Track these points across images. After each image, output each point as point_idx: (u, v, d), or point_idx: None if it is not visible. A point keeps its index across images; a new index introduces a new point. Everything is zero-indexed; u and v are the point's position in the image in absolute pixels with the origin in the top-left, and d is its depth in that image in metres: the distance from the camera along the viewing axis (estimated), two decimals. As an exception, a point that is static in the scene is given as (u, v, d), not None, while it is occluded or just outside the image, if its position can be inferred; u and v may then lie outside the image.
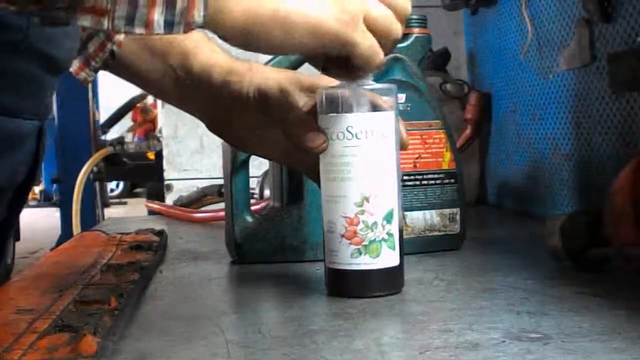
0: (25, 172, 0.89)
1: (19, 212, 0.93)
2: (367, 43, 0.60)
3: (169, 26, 0.51)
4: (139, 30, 0.51)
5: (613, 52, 0.92)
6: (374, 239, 0.65)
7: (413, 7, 0.64)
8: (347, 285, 0.66)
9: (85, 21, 0.50)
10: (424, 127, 0.88)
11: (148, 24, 0.51)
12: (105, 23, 0.50)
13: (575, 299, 0.63)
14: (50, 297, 0.65)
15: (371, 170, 0.66)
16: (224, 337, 0.55)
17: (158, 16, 0.50)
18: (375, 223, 0.65)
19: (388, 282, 0.67)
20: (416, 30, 0.90)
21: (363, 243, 0.65)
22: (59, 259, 0.88)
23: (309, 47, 0.59)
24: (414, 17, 0.90)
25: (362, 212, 0.65)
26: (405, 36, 0.89)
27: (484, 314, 0.60)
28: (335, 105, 0.66)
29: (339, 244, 0.66)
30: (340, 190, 0.66)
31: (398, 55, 0.87)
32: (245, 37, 0.57)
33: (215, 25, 0.56)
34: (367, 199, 0.65)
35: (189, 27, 0.52)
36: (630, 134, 0.90)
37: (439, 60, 1.40)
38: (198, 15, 0.52)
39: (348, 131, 0.65)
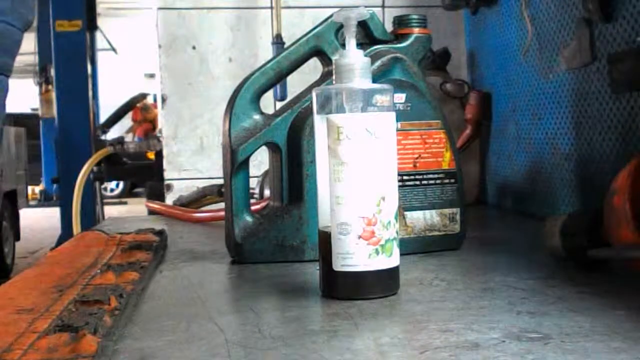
0: None
1: None
2: None
3: None
4: None
5: (613, 52, 0.92)
6: (389, 238, 0.65)
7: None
8: (364, 287, 0.65)
9: None
10: (424, 127, 0.88)
11: None
12: None
13: (575, 299, 0.63)
14: (50, 297, 0.65)
15: (388, 169, 0.65)
16: (224, 337, 0.55)
17: None
18: (389, 222, 0.65)
19: (395, 280, 0.67)
20: (416, 30, 0.90)
21: (380, 243, 0.64)
22: (59, 259, 0.88)
23: None
24: (414, 17, 0.90)
25: (380, 212, 0.64)
26: (405, 36, 0.89)
27: (484, 314, 0.60)
28: (351, 104, 0.64)
29: (355, 245, 0.64)
30: (357, 190, 0.64)
31: (398, 55, 0.86)
32: None
33: None
34: (383, 198, 0.64)
35: None
36: (630, 134, 0.90)
37: (439, 60, 1.40)
38: None
39: (367, 130, 0.63)
